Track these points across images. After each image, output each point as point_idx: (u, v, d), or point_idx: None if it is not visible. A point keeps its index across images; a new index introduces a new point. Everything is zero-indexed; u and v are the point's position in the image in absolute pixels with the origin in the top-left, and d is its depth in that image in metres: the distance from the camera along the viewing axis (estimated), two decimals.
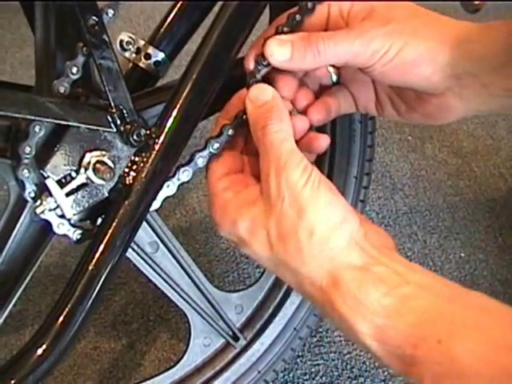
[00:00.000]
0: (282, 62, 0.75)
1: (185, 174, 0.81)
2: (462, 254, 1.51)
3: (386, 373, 1.25)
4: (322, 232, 0.68)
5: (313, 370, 1.26)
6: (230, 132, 0.79)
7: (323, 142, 0.78)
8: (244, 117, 0.78)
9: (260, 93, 0.75)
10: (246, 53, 0.79)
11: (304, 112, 0.80)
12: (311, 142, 0.78)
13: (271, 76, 0.77)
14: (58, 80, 0.74)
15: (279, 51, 0.74)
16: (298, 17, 0.77)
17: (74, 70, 0.74)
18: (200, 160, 0.79)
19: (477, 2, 0.88)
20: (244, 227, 0.72)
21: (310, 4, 0.77)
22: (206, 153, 0.79)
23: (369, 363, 1.27)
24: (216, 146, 0.79)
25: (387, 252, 0.69)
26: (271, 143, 0.71)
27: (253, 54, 0.77)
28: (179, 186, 0.82)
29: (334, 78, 0.82)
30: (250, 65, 0.77)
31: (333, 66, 0.81)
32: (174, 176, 0.81)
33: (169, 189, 0.82)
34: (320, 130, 1.06)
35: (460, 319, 0.62)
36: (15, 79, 1.87)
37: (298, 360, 1.27)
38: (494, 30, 0.75)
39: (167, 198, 0.83)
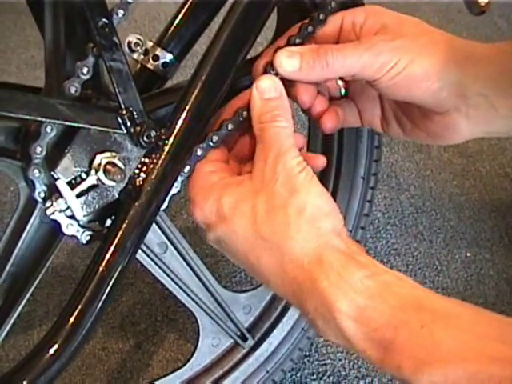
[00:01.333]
0: (290, 73, 0.76)
1: (186, 169, 0.81)
2: (468, 254, 1.51)
3: None
4: (313, 212, 0.69)
5: (320, 369, 1.27)
6: (230, 127, 0.79)
7: (320, 161, 0.79)
8: (244, 113, 0.78)
9: (271, 86, 0.75)
10: (256, 61, 0.80)
11: (318, 119, 0.80)
12: (309, 161, 0.77)
13: (293, 81, 0.78)
14: (69, 81, 0.74)
15: (288, 62, 0.76)
16: (309, 28, 0.78)
17: (85, 70, 0.74)
18: (199, 152, 0.79)
19: (482, 3, 0.88)
20: (228, 202, 0.71)
21: (321, 15, 0.78)
22: (204, 145, 0.80)
23: None
24: (215, 138, 0.79)
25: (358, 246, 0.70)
26: (276, 134, 0.72)
27: (263, 62, 0.79)
28: (182, 181, 0.83)
29: (343, 91, 0.83)
30: (259, 72, 0.78)
31: (342, 79, 0.82)
32: None
33: (173, 186, 0.82)
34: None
35: (442, 309, 0.62)
36: (21, 80, 1.89)
37: (306, 360, 1.28)
38: (503, 51, 0.75)
39: (173, 195, 0.84)
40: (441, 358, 0.58)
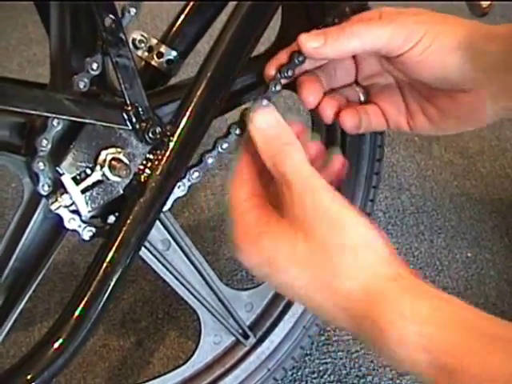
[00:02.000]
0: (316, 49, 0.74)
1: (195, 175, 0.82)
2: (469, 254, 1.51)
3: (393, 371, 1.26)
4: (354, 243, 0.65)
5: (321, 368, 1.27)
6: (238, 131, 0.80)
7: (337, 166, 0.76)
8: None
9: (263, 118, 0.73)
10: (269, 61, 0.80)
11: (336, 120, 0.80)
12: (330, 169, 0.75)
13: (297, 82, 0.78)
14: (78, 76, 0.74)
15: (313, 38, 0.74)
16: None
17: (94, 66, 0.74)
18: (210, 160, 0.81)
19: (484, 5, 0.88)
20: (270, 252, 0.68)
21: (336, 20, 0.79)
22: (215, 153, 0.81)
23: (377, 362, 1.28)
24: (225, 145, 0.80)
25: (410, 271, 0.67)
26: (290, 174, 0.69)
27: (275, 63, 0.79)
28: (190, 186, 0.83)
29: (362, 97, 0.82)
30: (271, 72, 0.79)
31: (358, 85, 0.82)
32: (184, 177, 0.82)
33: (179, 189, 0.83)
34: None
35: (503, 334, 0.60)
36: (23, 77, 1.88)
37: (307, 358, 1.28)
38: None
39: (178, 198, 0.84)
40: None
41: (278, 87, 0.79)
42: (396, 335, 0.61)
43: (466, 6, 0.89)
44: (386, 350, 0.62)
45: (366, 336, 0.64)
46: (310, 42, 0.74)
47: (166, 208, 0.84)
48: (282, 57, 0.79)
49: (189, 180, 0.83)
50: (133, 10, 0.75)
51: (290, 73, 0.78)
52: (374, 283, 0.63)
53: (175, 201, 0.84)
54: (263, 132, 0.72)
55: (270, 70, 0.80)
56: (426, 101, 0.80)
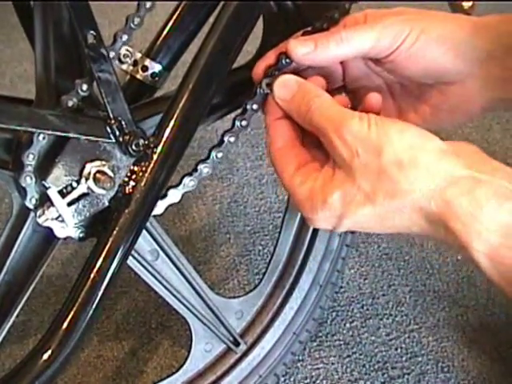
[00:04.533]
0: (305, 55, 0.76)
1: (190, 183, 0.85)
2: (459, 257, 1.52)
3: (385, 375, 1.27)
4: (409, 157, 0.66)
5: (313, 373, 1.28)
6: (232, 139, 0.82)
7: (374, 100, 0.77)
8: (243, 122, 0.82)
9: (285, 88, 0.76)
10: (257, 63, 0.81)
11: None
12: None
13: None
14: (67, 96, 0.77)
15: (302, 45, 0.76)
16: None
17: (84, 87, 0.77)
18: (205, 170, 0.84)
19: (466, 6, 0.90)
20: (336, 200, 0.70)
21: (325, 25, 0.80)
22: (209, 162, 0.84)
23: (369, 366, 1.29)
24: (219, 155, 0.82)
25: (483, 159, 0.68)
26: (320, 116, 0.72)
27: (263, 65, 0.80)
28: (183, 194, 0.86)
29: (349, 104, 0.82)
30: (259, 75, 0.80)
31: (347, 92, 0.83)
32: (179, 185, 0.85)
33: (173, 197, 0.85)
34: None
35: None
36: (14, 93, 1.90)
37: (299, 364, 1.29)
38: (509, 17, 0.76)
39: (171, 205, 0.86)
40: None
41: (267, 89, 0.80)
42: (468, 244, 0.63)
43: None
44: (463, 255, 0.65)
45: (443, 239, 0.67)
46: (300, 48, 0.76)
47: (158, 213, 0.86)
48: (270, 58, 0.80)
49: (183, 187, 0.86)
50: (125, 37, 0.77)
51: (277, 74, 0.79)
52: (447, 190, 0.65)
53: (168, 207, 0.86)
54: (288, 98, 0.76)
55: (258, 70, 0.81)
56: (416, 99, 0.81)
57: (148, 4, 0.79)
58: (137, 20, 0.79)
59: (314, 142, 0.77)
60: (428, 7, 0.80)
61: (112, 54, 0.77)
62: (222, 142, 0.84)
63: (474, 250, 0.63)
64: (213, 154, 0.85)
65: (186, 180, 0.85)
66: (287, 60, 0.79)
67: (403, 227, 0.69)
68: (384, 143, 0.67)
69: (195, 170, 0.85)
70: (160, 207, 0.85)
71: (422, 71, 0.77)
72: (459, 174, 0.65)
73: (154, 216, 0.87)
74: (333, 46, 0.75)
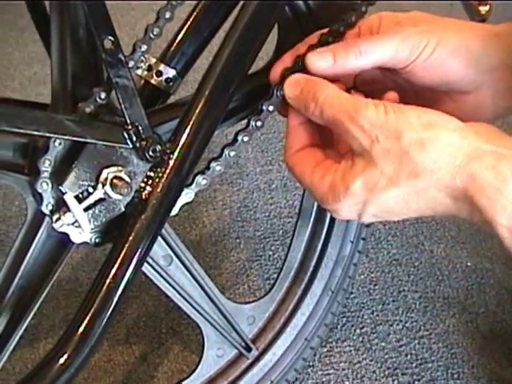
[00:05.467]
0: (326, 69, 0.76)
1: (203, 182, 0.85)
2: (469, 263, 1.52)
3: (395, 381, 1.27)
4: (430, 136, 0.67)
5: (324, 379, 1.28)
6: (246, 139, 0.82)
7: (392, 98, 0.79)
8: (258, 123, 0.83)
9: (294, 86, 0.77)
10: (274, 65, 0.82)
11: None
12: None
13: None
14: (84, 103, 0.77)
15: (321, 59, 0.76)
16: (330, 39, 0.80)
17: (103, 95, 0.77)
18: (217, 168, 0.85)
19: (483, 11, 0.90)
20: (358, 187, 0.71)
21: (341, 28, 0.80)
22: (222, 160, 0.85)
23: (379, 372, 1.28)
24: (232, 153, 0.82)
25: (503, 136, 0.69)
26: (330, 107, 0.73)
27: (279, 67, 0.81)
28: (197, 192, 0.86)
29: None
30: (276, 76, 0.81)
31: (357, 89, 0.83)
32: (192, 184, 0.85)
33: (187, 196, 0.86)
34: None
35: None
36: (24, 96, 1.91)
37: (309, 370, 1.28)
38: None
39: (185, 204, 0.87)
40: None
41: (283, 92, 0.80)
42: (492, 218, 0.65)
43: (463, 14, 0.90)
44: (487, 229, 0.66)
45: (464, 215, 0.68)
46: (319, 62, 0.76)
47: (173, 214, 0.86)
48: (286, 60, 0.81)
49: (196, 186, 0.86)
50: (144, 47, 0.78)
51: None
52: (470, 166, 0.65)
53: (182, 207, 0.86)
54: (295, 93, 0.77)
55: (275, 73, 0.82)
56: (428, 105, 0.81)
57: (167, 14, 0.79)
58: (156, 30, 0.79)
59: (327, 141, 0.80)
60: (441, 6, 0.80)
61: (131, 64, 0.77)
62: (235, 140, 0.85)
63: (499, 225, 0.64)
64: (226, 152, 0.85)
65: (199, 178, 0.86)
66: (304, 63, 0.79)
67: (428, 208, 0.70)
68: (403, 126, 0.68)
69: (208, 168, 0.86)
70: (175, 207, 0.86)
71: (436, 81, 0.78)
72: (482, 149, 0.66)
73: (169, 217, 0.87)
74: (352, 59, 0.76)
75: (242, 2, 0.84)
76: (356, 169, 0.71)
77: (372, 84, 0.83)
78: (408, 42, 0.75)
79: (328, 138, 0.80)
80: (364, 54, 0.75)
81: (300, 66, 0.79)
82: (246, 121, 0.85)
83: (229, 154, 0.85)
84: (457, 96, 0.79)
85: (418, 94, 0.83)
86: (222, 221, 1.58)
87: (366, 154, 0.70)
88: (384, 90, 0.82)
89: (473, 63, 0.76)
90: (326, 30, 0.81)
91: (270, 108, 0.82)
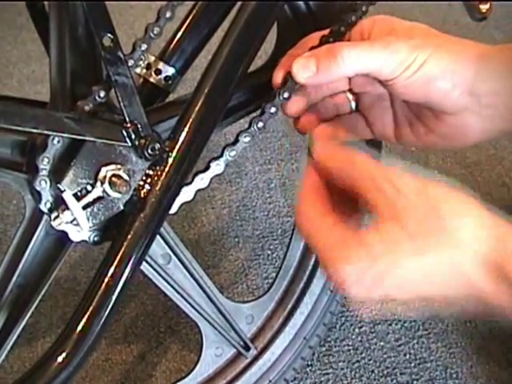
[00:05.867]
0: (309, 79, 0.76)
1: (202, 181, 0.85)
2: None
3: (394, 381, 1.27)
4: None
5: (322, 378, 1.28)
6: (247, 139, 0.82)
7: None
8: (259, 124, 0.82)
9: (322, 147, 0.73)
10: (276, 68, 0.81)
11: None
12: None
13: None
14: (83, 101, 0.77)
15: (305, 69, 0.75)
16: (331, 39, 0.80)
17: (102, 93, 0.77)
18: (217, 168, 0.84)
19: (483, 9, 0.90)
20: (376, 242, 0.63)
21: (342, 28, 0.80)
22: (222, 160, 0.84)
23: (377, 372, 1.28)
24: (233, 153, 0.83)
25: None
26: (360, 183, 0.66)
27: (281, 73, 0.80)
28: (196, 192, 0.86)
29: (353, 104, 0.83)
30: (278, 80, 0.80)
31: (352, 92, 0.82)
32: (191, 183, 0.85)
33: (186, 195, 0.85)
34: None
35: None
36: (22, 94, 1.91)
37: (308, 369, 1.28)
38: None
39: (185, 203, 0.86)
40: None
41: (286, 94, 0.80)
42: None
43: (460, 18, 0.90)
44: None
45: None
46: (302, 72, 0.76)
47: (172, 212, 0.85)
48: (286, 64, 0.80)
49: (195, 186, 0.86)
50: (144, 46, 0.78)
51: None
52: (498, 236, 0.61)
53: (182, 205, 0.86)
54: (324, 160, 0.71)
55: (277, 79, 0.81)
56: (413, 116, 0.81)
57: (168, 14, 0.78)
58: (156, 30, 0.79)
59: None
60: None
61: (131, 63, 0.77)
62: (236, 141, 0.84)
63: None
64: (226, 152, 0.85)
65: (198, 178, 0.85)
66: None
67: (451, 283, 0.62)
68: (441, 199, 0.64)
69: (207, 167, 0.85)
70: (173, 206, 0.85)
71: (417, 99, 0.77)
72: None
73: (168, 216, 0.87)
74: (335, 68, 0.75)
75: (240, 1, 0.84)
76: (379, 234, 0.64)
77: (364, 86, 0.82)
78: (396, 58, 0.73)
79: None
80: (346, 61, 0.74)
81: None
82: (248, 122, 0.85)
83: (229, 155, 0.85)
84: (440, 114, 0.78)
85: (406, 102, 0.81)
86: (220, 220, 1.57)
87: (389, 206, 0.64)
88: (375, 94, 0.82)
89: (458, 87, 0.74)
90: (327, 32, 0.81)
91: (273, 110, 0.82)
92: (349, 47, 0.75)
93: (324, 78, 0.76)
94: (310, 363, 1.29)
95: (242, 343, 1.08)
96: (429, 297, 0.64)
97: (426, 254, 0.62)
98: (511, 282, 0.59)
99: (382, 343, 1.33)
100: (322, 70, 0.75)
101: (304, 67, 0.76)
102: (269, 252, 1.50)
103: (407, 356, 1.31)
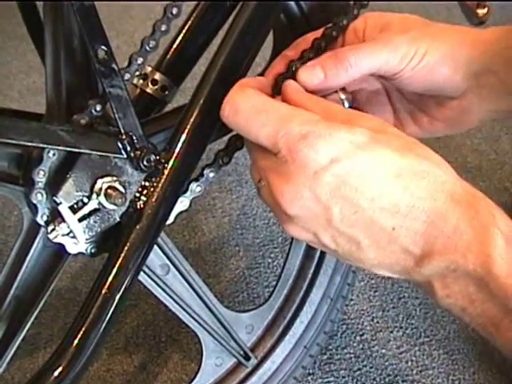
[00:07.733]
0: (317, 85, 0.76)
1: (197, 189, 0.85)
2: None
3: None
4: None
5: None
6: (240, 145, 0.84)
7: None
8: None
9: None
10: (266, 72, 0.82)
11: None
12: None
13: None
14: (79, 115, 0.77)
15: (313, 76, 0.76)
16: (323, 43, 0.81)
17: (98, 107, 0.77)
18: (211, 174, 0.85)
19: (481, 14, 0.90)
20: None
21: (334, 32, 0.81)
22: (215, 166, 0.85)
23: (379, 379, 1.28)
24: (226, 159, 0.84)
25: None
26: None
27: (273, 73, 0.81)
28: (192, 200, 0.86)
29: (347, 104, 0.82)
30: (270, 85, 0.80)
31: (345, 92, 0.82)
32: (186, 191, 0.85)
33: (182, 204, 0.85)
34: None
35: None
36: (23, 105, 1.91)
37: (309, 378, 1.28)
38: (508, 30, 0.77)
39: (181, 212, 0.86)
40: None
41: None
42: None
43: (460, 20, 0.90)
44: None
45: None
46: (311, 80, 0.76)
47: (169, 222, 0.85)
48: (279, 66, 0.81)
49: (191, 194, 0.86)
50: (140, 59, 0.78)
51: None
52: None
53: (178, 215, 0.86)
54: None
55: (268, 79, 0.81)
56: (414, 106, 0.83)
57: (163, 27, 0.79)
58: (152, 43, 0.79)
59: None
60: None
61: (127, 76, 0.77)
62: (228, 146, 0.85)
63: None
64: (219, 158, 0.85)
65: (193, 186, 0.85)
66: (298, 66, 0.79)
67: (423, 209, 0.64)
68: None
69: (201, 175, 0.85)
70: (170, 216, 0.85)
71: (423, 87, 0.79)
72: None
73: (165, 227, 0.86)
74: (343, 74, 0.76)
75: (237, 9, 0.84)
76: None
77: (359, 84, 0.84)
78: (398, 53, 0.76)
79: None
80: (354, 67, 0.76)
81: (293, 72, 0.79)
82: None
83: (222, 161, 0.85)
84: (443, 100, 0.81)
85: (404, 95, 0.84)
86: (221, 228, 1.57)
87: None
88: (370, 90, 0.84)
89: (459, 70, 0.77)
90: (319, 35, 0.81)
91: None
92: (353, 52, 0.76)
93: (333, 83, 0.77)
94: (311, 372, 1.29)
95: (242, 353, 1.07)
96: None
97: (409, 153, 0.65)
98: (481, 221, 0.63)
99: (383, 351, 1.33)
100: (331, 76, 0.76)
101: (311, 74, 0.77)
102: (269, 260, 1.50)
103: (409, 363, 1.31)
